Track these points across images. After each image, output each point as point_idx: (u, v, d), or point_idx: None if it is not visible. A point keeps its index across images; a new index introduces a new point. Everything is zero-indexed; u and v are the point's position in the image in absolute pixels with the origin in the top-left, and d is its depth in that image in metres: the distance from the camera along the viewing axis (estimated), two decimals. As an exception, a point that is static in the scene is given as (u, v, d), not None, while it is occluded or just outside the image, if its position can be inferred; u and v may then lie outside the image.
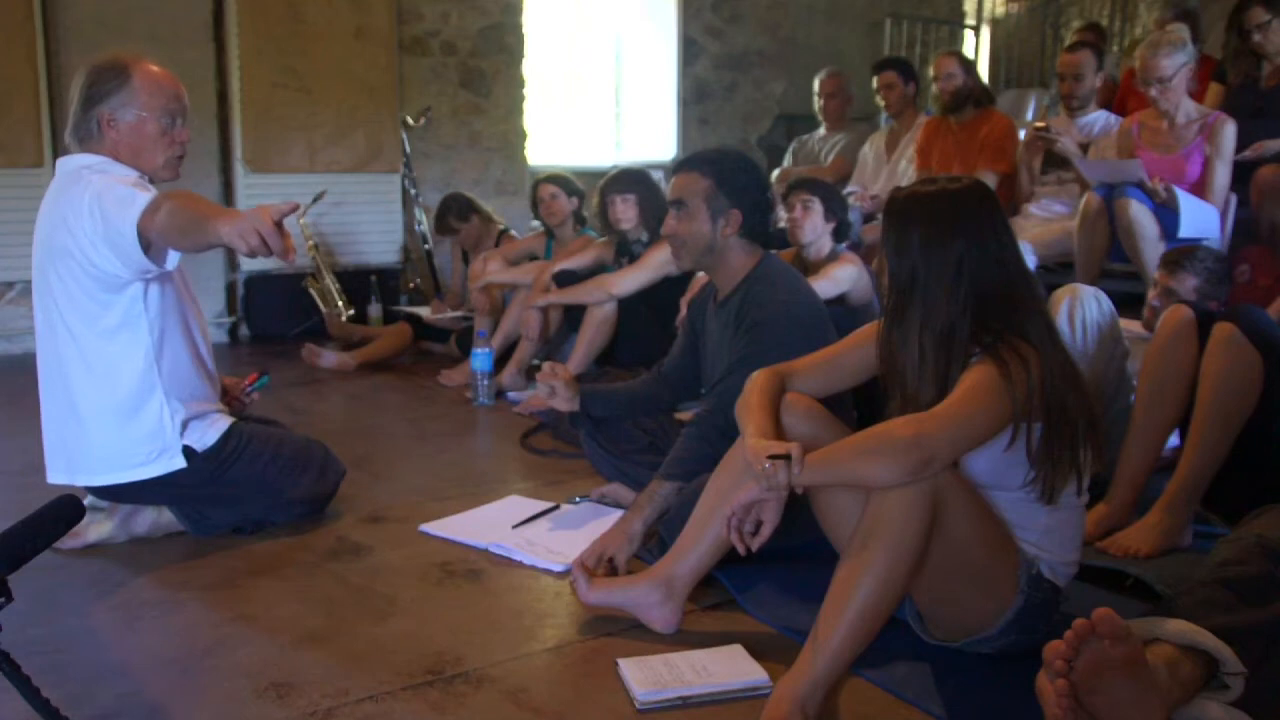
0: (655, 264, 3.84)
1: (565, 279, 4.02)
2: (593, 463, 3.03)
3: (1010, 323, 1.77)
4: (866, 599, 1.66)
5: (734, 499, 1.78)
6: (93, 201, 2.26)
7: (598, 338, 3.89)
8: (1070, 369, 1.79)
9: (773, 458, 1.71)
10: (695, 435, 2.36)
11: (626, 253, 3.98)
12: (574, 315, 4.02)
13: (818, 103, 5.54)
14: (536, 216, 4.56)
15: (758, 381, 1.96)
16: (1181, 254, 2.91)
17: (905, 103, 5.08)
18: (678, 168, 2.56)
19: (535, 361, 4.23)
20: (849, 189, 4.74)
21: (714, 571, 2.27)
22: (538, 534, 2.54)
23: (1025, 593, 1.80)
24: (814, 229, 3.60)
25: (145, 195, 2.22)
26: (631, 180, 3.96)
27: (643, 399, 2.72)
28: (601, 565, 2.26)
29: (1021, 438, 1.74)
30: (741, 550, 1.81)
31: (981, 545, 1.77)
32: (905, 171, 4.99)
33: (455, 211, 4.82)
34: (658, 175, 4.18)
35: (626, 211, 3.91)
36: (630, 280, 3.85)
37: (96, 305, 2.35)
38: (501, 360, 4.13)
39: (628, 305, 3.87)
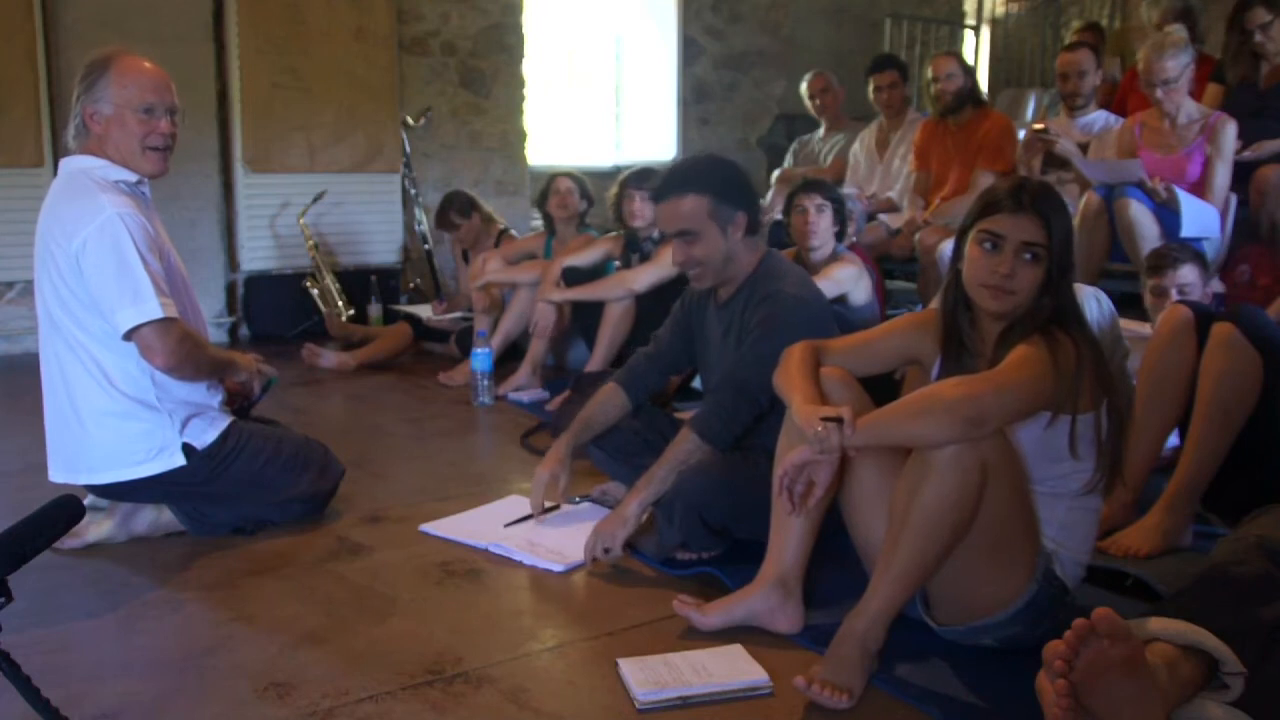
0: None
1: (573, 276, 4.02)
2: (595, 463, 3.03)
3: (1063, 316, 1.85)
4: (911, 550, 1.72)
5: (786, 460, 1.81)
6: (90, 266, 2.28)
7: (618, 334, 3.87)
8: (1107, 367, 1.87)
9: (825, 420, 1.75)
10: (702, 428, 2.33)
11: (637, 249, 3.97)
12: (582, 317, 4.01)
13: (811, 105, 5.57)
14: (542, 210, 4.53)
15: (795, 354, 1.99)
16: (1163, 253, 2.95)
17: (904, 102, 5.10)
18: (663, 194, 2.41)
19: (551, 362, 4.21)
20: (845, 189, 4.74)
21: (714, 570, 2.28)
22: (538, 534, 2.54)
23: (1040, 583, 1.82)
24: (826, 232, 3.60)
25: (151, 302, 2.28)
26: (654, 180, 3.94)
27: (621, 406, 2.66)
28: (597, 553, 2.29)
29: (1064, 422, 1.78)
30: (788, 510, 1.84)
31: (1012, 524, 1.80)
32: (900, 170, 4.99)
33: (457, 207, 4.83)
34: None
35: (644, 209, 3.90)
36: (649, 276, 3.83)
37: (92, 315, 2.36)
38: (501, 361, 4.12)
39: (640, 302, 3.86)
